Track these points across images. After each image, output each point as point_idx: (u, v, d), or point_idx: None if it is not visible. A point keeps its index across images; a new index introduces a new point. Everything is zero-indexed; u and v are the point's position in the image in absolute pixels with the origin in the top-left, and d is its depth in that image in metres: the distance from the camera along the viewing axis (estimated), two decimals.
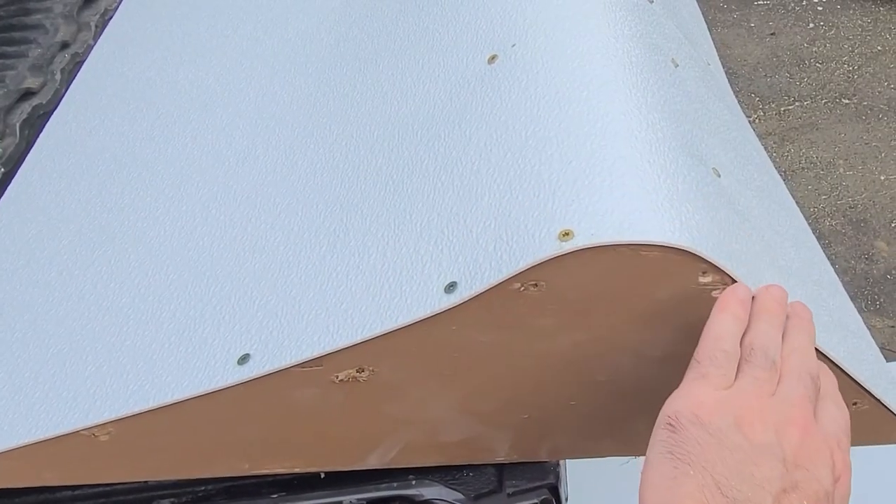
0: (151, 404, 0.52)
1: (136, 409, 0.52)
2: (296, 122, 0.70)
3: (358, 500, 0.61)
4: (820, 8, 2.94)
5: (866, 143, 2.40)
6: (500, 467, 0.60)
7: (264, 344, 0.52)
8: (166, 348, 0.55)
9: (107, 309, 0.60)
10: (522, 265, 0.47)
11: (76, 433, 0.52)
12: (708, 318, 0.50)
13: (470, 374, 0.53)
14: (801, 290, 0.60)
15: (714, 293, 0.50)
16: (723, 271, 0.49)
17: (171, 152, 0.73)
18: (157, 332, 0.56)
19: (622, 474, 0.67)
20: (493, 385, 0.54)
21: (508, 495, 0.59)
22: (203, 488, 0.62)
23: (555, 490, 0.60)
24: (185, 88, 0.81)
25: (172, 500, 0.61)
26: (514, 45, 0.63)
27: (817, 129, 2.47)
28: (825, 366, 0.50)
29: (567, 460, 0.64)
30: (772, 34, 2.86)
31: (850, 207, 2.21)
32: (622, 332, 0.51)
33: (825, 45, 2.78)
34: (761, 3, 3.02)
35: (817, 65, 2.71)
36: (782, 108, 2.55)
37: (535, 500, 0.59)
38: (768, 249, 0.59)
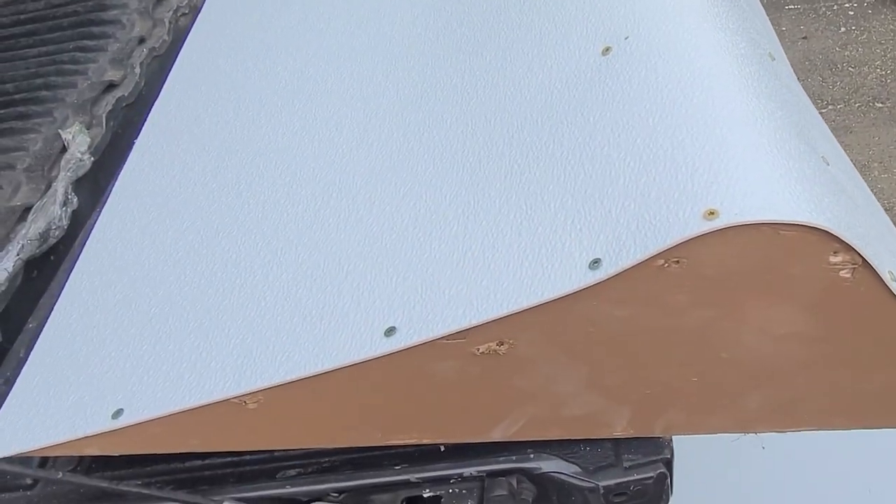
0: (302, 373, 0.54)
1: (288, 378, 0.54)
2: (405, 110, 0.73)
3: (478, 471, 0.63)
4: (851, 12, 2.96)
5: None
6: (616, 442, 0.63)
7: (409, 317, 0.55)
8: (308, 322, 0.57)
9: (241, 286, 0.62)
10: (670, 242, 0.49)
11: (226, 401, 0.55)
12: (835, 296, 0.53)
13: (600, 349, 0.56)
14: None
15: (842, 273, 0.52)
16: (854, 250, 0.51)
17: (281, 140, 0.76)
18: (296, 307, 0.59)
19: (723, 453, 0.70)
20: (620, 360, 0.57)
21: (626, 468, 0.61)
22: (327, 459, 0.64)
23: (669, 465, 0.62)
24: (285, 79, 0.84)
25: (299, 469, 0.64)
26: (626, 38, 0.66)
27: (851, 133, 2.49)
28: None
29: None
30: (803, 38, 2.88)
31: (886, 210, 2.22)
32: (751, 310, 0.54)
33: (857, 49, 2.80)
34: (792, 7, 3.04)
35: (850, 69, 2.73)
36: None
37: (652, 474, 0.61)
38: (880, 234, 0.61)
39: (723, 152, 0.53)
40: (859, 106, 2.58)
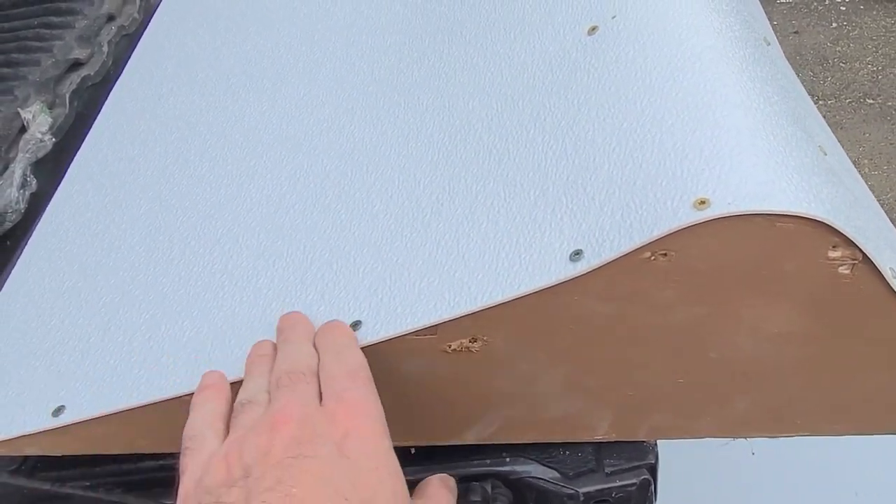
0: None
1: (243, 375, 0.50)
2: (380, 92, 0.69)
3: (451, 476, 0.59)
4: (843, 8, 2.93)
5: (891, 143, 2.39)
6: (598, 446, 0.59)
7: (375, 311, 0.51)
8: (269, 315, 0.53)
9: (197, 276, 0.58)
10: (657, 233, 0.45)
11: (177, 398, 0.51)
12: (833, 293, 0.49)
13: (581, 348, 0.52)
14: None
15: (841, 269, 0.49)
16: (854, 245, 0.48)
17: (249, 121, 0.72)
18: (256, 298, 0.55)
19: (712, 458, 0.66)
20: (602, 360, 0.53)
21: (607, 474, 0.58)
22: None
23: (653, 470, 0.58)
24: (255, 59, 0.80)
25: None
26: (614, 17, 0.62)
27: (841, 129, 2.46)
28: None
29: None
30: (795, 32, 2.86)
31: None
32: (743, 307, 0.50)
33: (849, 45, 2.77)
34: (784, 1, 3.01)
35: (841, 64, 2.70)
36: None
37: (635, 481, 0.58)
38: (878, 229, 0.58)
39: (715, 138, 0.49)
40: (850, 102, 2.56)
